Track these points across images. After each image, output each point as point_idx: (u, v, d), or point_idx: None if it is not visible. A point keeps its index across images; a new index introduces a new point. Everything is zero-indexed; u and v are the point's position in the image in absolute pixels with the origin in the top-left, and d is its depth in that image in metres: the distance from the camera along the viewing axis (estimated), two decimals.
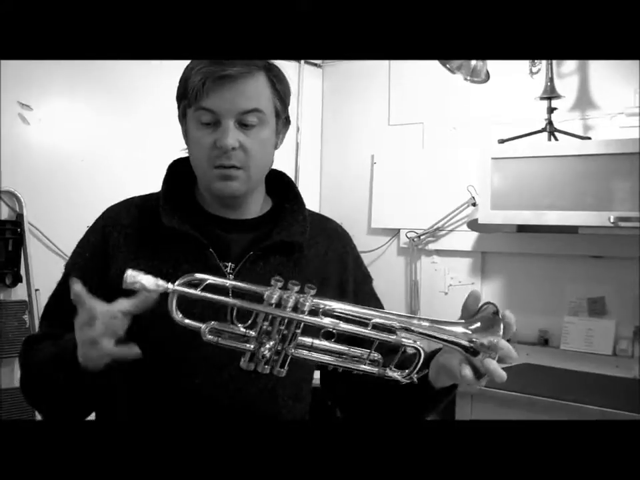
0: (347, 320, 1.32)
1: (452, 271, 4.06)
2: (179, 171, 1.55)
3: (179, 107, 1.49)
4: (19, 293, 3.25)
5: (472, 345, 1.27)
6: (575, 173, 3.22)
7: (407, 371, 1.32)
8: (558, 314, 3.69)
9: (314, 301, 1.29)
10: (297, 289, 1.29)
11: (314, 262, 1.55)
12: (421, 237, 4.12)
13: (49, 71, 3.34)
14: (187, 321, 1.28)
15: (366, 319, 1.31)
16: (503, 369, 1.26)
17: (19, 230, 3.23)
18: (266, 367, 1.31)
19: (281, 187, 1.58)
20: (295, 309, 1.29)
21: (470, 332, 1.27)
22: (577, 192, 3.20)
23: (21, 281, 3.24)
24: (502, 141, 3.56)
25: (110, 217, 1.53)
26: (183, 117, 1.48)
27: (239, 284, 1.31)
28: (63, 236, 3.24)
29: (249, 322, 1.30)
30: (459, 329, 1.28)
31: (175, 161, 1.57)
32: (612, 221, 3.06)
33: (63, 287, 1.50)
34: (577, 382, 3.37)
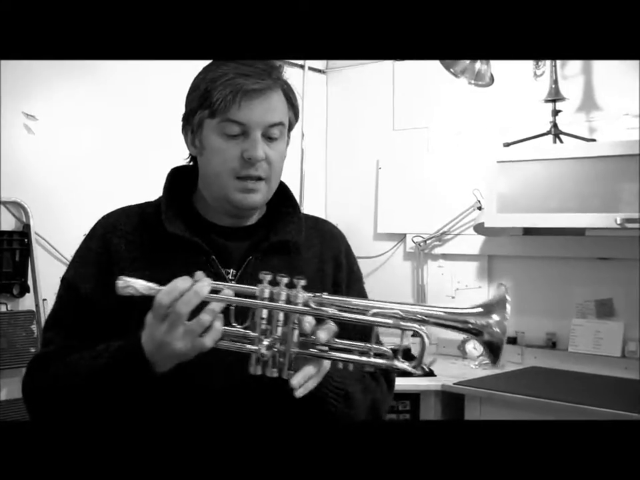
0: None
1: (459, 274, 4.06)
2: (177, 179, 1.57)
3: (192, 117, 1.49)
4: (26, 303, 3.26)
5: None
6: (580, 175, 3.22)
7: (414, 361, 1.33)
8: (566, 316, 3.69)
9: (305, 297, 1.31)
10: (286, 280, 1.32)
11: (312, 262, 1.58)
12: (427, 242, 4.11)
13: (53, 81, 3.35)
14: None
15: (364, 309, 1.33)
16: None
17: (25, 240, 3.24)
18: (274, 370, 1.32)
19: (275, 193, 1.59)
20: (288, 302, 1.31)
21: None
22: (583, 194, 3.20)
23: (29, 291, 3.25)
24: (507, 144, 3.56)
25: (109, 224, 1.54)
26: (198, 127, 1.48)
27: (235, 285, 1.34)
28: (69, 245, 3.20)
29: (247, 323, 1.33)
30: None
31: (173, 169, 1.59)
32: (618, 222, 3.05)
33: (67, 297, 1.52)
34: (585, 384, 3.35)
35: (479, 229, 3.73)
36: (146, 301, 1.41)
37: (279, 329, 1.32)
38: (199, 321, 1.28)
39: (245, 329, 1.33)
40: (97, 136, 3.52)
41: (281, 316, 1.31)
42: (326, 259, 1.60)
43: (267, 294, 1.31)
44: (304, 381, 1.33)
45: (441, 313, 1.32)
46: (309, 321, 1.32)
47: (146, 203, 1.58)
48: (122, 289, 1.30)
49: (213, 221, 1.54)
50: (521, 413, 3.05)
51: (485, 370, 3.56)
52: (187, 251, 1.48)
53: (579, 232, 3.43)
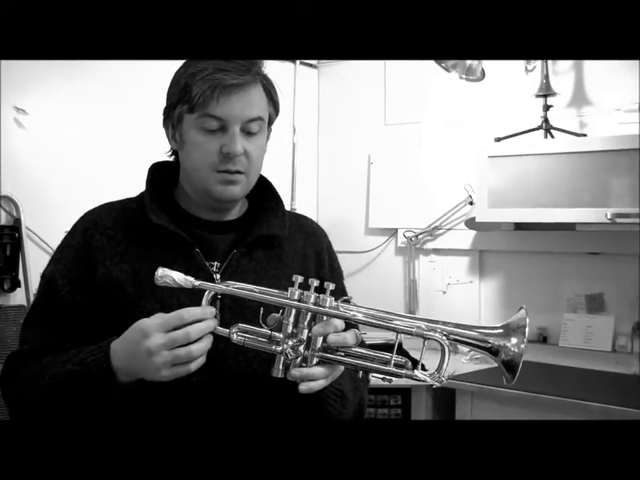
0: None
1: (450, 269, 4.06)
2: (159, 174, 1.58)
3: (172, 111, 1.50)
4: (17, 297, 3.25)
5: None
6: (571, 170, 3.23)
7: (435, 372, 1.38)
8: (556, 311, 3.70)
9: (333, 303, 1.34)
10: (316, 283, 1.35)
11: (295, 258, 1.59)
12: (419, 236, 4.12)
13: (45, 75, 3.33)
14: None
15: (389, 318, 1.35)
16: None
17: (16, 235, 3.23)
18: (295, 372, 1.34)
19: (258, 188, 1.60)
20: (316, 304, 1.34)
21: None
22: (574, 189, 3.21)
23: (19, 286, 3.24)
24: (498, 139, 3.57)
25: (91, 220, 1.54)
26: (178, 121, 1.48)
27: (262, 289, 1.37)
28: (60, 240, 3.24)
29: (274, 324, 1.37)
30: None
31: (154, 164, 1.60)
32: (609, 217, 3.07)
33: (46, 295, 1.51)
34: (576, 379, 3.37)
35: (470, 223, 3.74)
36: (124, 302, 1.42)
37: (305, 332, 1.34)
38: (189, 352, 1.30)
39: (271, 330, 1.36)
40: (88, 131, 3.51)
41: (309, 318, 1.34)
42: (308, 255, 1.62)
43: (296, 296, 1.34)
44: (311, 377, 1.34)
45: (463, 331, 1.38)
46: (336, 325, 1.34)
47: (127, 199, 1.59)
48: (160, 278, 1.34)
49: (194, 215, 1.55)
50: (512, 407, 3.06)
51: (476, 365, 3.57)
52: (171, 244, 1.48)
53: (569, 227, 3.44)
